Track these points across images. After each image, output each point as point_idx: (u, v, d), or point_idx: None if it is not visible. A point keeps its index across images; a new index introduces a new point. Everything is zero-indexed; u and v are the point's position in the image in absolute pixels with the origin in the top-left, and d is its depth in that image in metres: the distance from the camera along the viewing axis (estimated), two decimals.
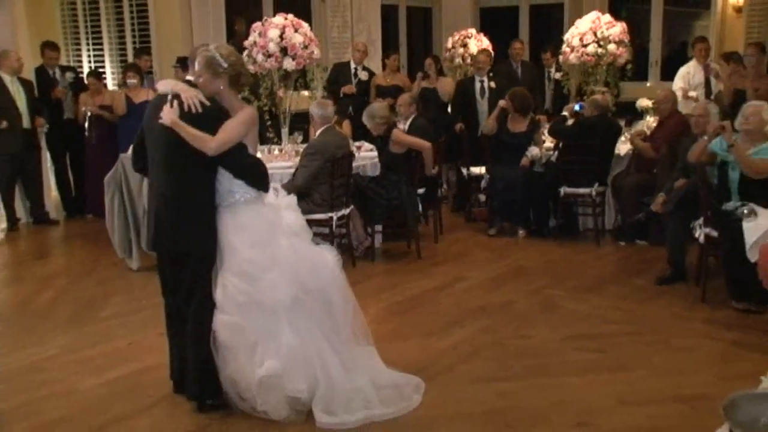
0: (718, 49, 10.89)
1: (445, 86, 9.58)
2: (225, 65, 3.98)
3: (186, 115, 3.86)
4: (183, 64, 8.95)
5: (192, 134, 3.84)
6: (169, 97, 3.92)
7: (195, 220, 3.99)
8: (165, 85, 4.13)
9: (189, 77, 4.13)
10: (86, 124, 9.20)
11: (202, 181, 3.99)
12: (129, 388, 4.43)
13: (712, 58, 9.77)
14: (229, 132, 3.91)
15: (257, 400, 3.97)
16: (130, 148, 4.51)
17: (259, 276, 4.00)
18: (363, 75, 9.82)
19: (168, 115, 3.84)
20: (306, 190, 6.53)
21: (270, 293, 3.99)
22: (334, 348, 4.13)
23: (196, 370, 4.08)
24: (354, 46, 10.40)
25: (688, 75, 9.38)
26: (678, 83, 9.29)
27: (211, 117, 3.91)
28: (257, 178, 4.10)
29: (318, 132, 6.75)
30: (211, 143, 3.87)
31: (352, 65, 9.90)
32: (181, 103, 3.88)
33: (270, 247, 4.06)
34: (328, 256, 4.26)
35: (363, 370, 4.21)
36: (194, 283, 4.03)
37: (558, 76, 9.96)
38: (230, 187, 4.03)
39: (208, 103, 3.93)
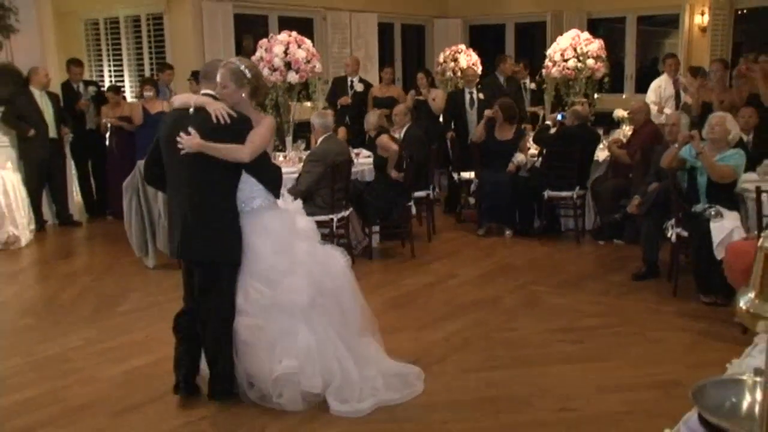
0: (685, 64, 10.97)
1: (437, 98, 9.58)
2: (249, 76, 3.95)
3: (214, 127, 3.78)
4: (197, 77, 8.96)
5: (223, 150, 3.78)
6: (191, 110, 3.84)
7: (225, 229, 3.89)
8: (183, 99, 4.06)
9: (207, 90, 4.00)
10: (107, 134, 9.23)
11: (228, 189, 3.92)
12: (146, 377, 4.43)
13: (681, 73, 9.80)
14: (259, 140, 3.88)
15: (273, 394, 3.95)
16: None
17: (280, 280, 3.96)
18: (359, 86, 9.83)
19: (191, 141, 3.75)
20: (309, 195, 6.54)
21: (290, 296, 3.95)
22: (346, 343, 4.10)
23: (225, 371, 4.00)
24: (344, 61, 10.40)
25: (660, 88, 9.40)
26: (650, 96, 9.31)
27: (239, 126, 3.85)
28: (277, 183, 4.09)
29: (319, 140, 6.75)
30: (245, 151, 3.82)
31: (349, 78, 9.90)
32: (207, 115, 3.80)
33: (290, 251, 4.02)
34: (338, 256, 4.21)
35: (371, 360, 4.19)
36: (221, 288, 3.91)
37: (533, 86, 9.99)
38: (251, 193, 3.96)
39: (234, 114, 3.85)
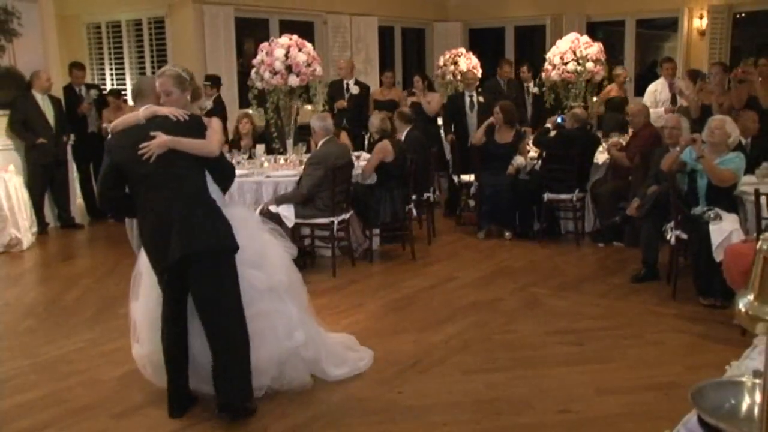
0: (684, 68, 10.98)
1: (432, 102, 9.60)
2: (189, 79, 4.00)
3: (173, 127, 3.79)
4: (213, 81, 8.98)
5: (191, 143, 3.81)
6: (143, 121, 3.82)
7: (217, 216, 3.86)
8: (124, 120, 3.98)
9: (147, 105, 3.91)
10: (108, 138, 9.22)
11: (204, 184, 3.91)
12: (147, 379, 4.40)
13: (679, 76, 9.81)
14: (217, 135, 3.95)
15: (285, 377, 4.10)
16: None
17: (262, 263, 4.09)
18: (354, 89, 9.84)
19: (158, 141, 3.73)
20: (310, 197, 6.55)
21: (276, 277, 4.11)
22: (309, 316, 4.36)
23: (244, 369, 3.88)
24: (337, 63, 10.39)
25: (656, 92, 9.41)
26: (646, 99, 9.32)
27: (196, 123, 3.89)
28: (231, 180, 4.17)
29: (320, 143, 6.74)
30: (213, 145, 3.87)
31: (344, 81, 9.90)
32: (163, 120, 3.80)
33: (258, 236, 4.17)
34: (277, 236, 4.37)
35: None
36: (226, 280, 3.85)
37: (536, 90, 9.99)
38: (213, 194, 3.95)
39: (188, 113, 3.88)
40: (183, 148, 3.79)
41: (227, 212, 3.99)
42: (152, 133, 3.77)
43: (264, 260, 4.11)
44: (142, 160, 3.75)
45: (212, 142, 3.88)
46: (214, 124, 4.02)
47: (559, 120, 8.17)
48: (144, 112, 3.88)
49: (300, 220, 6.57)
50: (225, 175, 4.07)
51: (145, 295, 4.12)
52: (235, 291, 3.89)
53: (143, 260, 4.07)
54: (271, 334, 4.05)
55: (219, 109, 8.81)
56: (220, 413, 3.87)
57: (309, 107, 8.25)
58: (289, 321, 4.15)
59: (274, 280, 4.11)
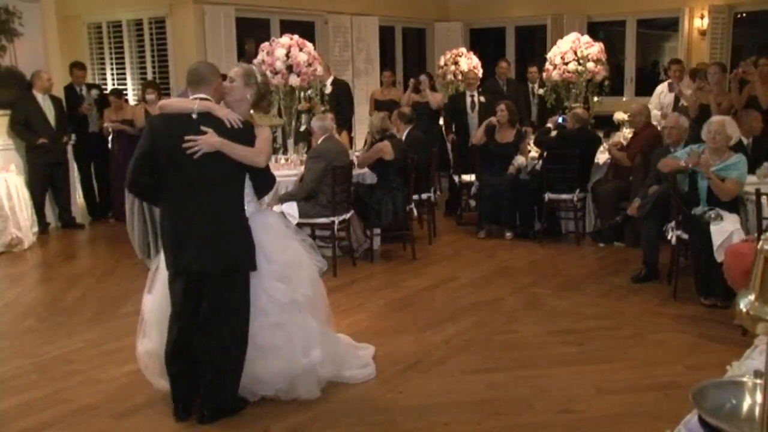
0: (685, 67, 10.94)
1: (436, 98, 9.66)
2: (259, 79, 3.97)
3: (223, 132, 3.69)
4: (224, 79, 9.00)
5: (242, 152, 3.72)
6: (195, 116, 3.70)
7: (244, 234, 3.81)
8: (179, 104, 3.93)
9: (200, 95, 3.81)
10: (109, 137, 9.26)
11: (241, 193, 3.85)
12: (148, 379, 4.42)
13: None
14: (267, 146, 3.88)
15: (294, 392, 4.02)
16: None
17: (290, 276, 4.00)
18: (328, 89, 9.78)
19: (209, 140, 3.65)
20: (313, 193, 6.56)
21: (301, 290, 4.02)
22: (326, 329, 4.29)
23: (234, 381, 3.88)
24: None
25: (661, 94, 9.39)
26: (652, 101, 9.31)
27: (248, 132, 3.79)
28: (269, 190, 4.12)
29: (319, 141, 6.82)
30: (261, 156, 3.80)
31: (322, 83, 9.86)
32: (216, 120, 3.71)
33: (290, 246, 4.09)
34: (303, 247, 4.29)
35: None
36: (236, 297, 3.79)
37: (541, 92, 9.97)
38: (248, 198, 3.91)
39: (242, 119, 3.80)
40: (232, 154, 3.70)
41: (261, 220, 3.95)
42: (204, 128, 3.67)
43: (292, 273, 4.01)
44: (184, 152, 3.64)
45: (261, 152, 3.80)
46: (265, 134, 3.92)
47: (560, 120, 8.16)
48: (200, 104, 3.74)
49: (302, 220, 6.57)
50: (265, 185, 4.00)
51: (160, 290, 4.02)
52: (243, 311, 3.83)
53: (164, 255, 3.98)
54: (287, 348, 3.96)
55: None
56: (199, 422, 3.85)
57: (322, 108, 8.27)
58: (307, 337, 4.04)
59: (298, 293, 4.01)
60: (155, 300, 4.05)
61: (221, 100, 3.89)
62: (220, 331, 3.80)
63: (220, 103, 3.87)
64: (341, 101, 9.85)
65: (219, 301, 3.79)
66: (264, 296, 3.91)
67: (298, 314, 4.03)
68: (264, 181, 3.96)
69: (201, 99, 3.79)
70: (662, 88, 9.44)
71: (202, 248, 3.71)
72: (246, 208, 3.89)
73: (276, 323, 3.95)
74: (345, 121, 9.95)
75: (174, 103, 4.02)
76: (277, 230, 4.05)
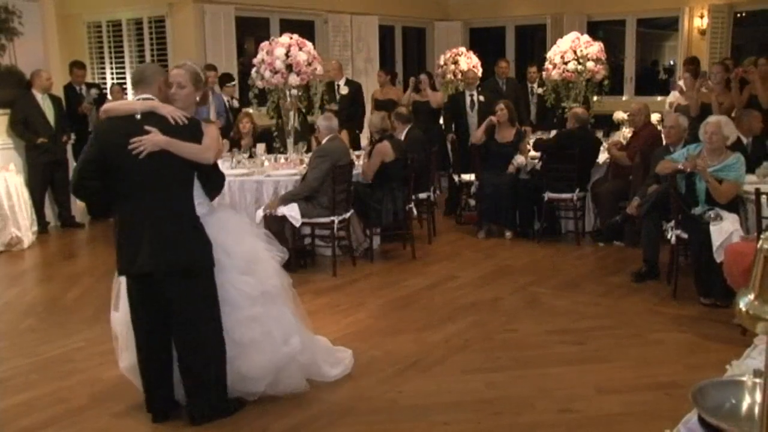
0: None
1: (437, 97, 9.70)
2: (203, 81, 3.95)
3: (171, 129, 3.63)
4: (228, 78, 9.06)
5: (189, 149, 3.65)
6: (138, 116, 3.64)
7: (197, 231, 3.76)
8: (122, 106, 3.89)
9: (145, 95, 3.75)
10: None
11: (191, 192, 3.78)
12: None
13: (679, 76, 9.78)
14: (215, 143, 3.84)
15: (281, 384, 4.01)
16: None
17: (255, 269, 3.97)
18: (344, 89, 9.92)
19: (154, 138, 3.58)
20: (314, 194, 6.56)
21: (270, 281, 4.00)
22: (301, 320, 4.28)
23: (218, 381, 3.84)
24: (326, 67, 10.40)
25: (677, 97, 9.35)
26: (667, 105, 9.30)
27: (194, 129, 3.73)
28: (220, 189, 4.04)
29: (324, 141, 6.82)
30: (209, 152, 3.74)
31: (335, 83, 9.94)
32: (161, 119, 3.63)
33: (249, 241, 4.05)
34: (261, 238, 4.25)
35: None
36: (200, 294, 3.76)
37: (540, 91, 9.97)
38: (197, 198, 3.82)
39: (187, 116, 3.73)
40: (178, 151, 3.63)
41: (215, 215, 3.91)
42: (147, 128, 3.61)
43: (255, 265, 3.97)
44: (131, 154, 3.58)
45: (209, 148, 3.74)
46: (213, 131, 3.91)
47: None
48: (142, 104, 3.70)
49: (302, 220, 6.57)
50: (215, 185, 3.92)
51: (125, 307, 3.93)
52: (211, 308, 3.78)
53: None
54: (267, 340, 3.94)
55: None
56: (193, 424, 3.83)
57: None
58: (285, 326, 4.04)
59: (267, 284, 3.98)
60: (122, 316, 4.00)
61: (166, 100, 3.81)
62: (190, 332, 3.77)
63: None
64: (355, 101, 9.92)
65: (182, 301, 3.74)
66: (233, 290, 3.87)
67: (272, 305, 4.00)
68: (213, 180, 3.90)
69: (144, 99, 3.75)
70: (673, 98, 9.39)
71: (154, 249, 3.65)
72: (197, 209, 3.81)
73: (250, 317, 3.91)
74: (357, 121, 10.00)
75: (117, 105, 3.95)
76: (232, 225, 4.00)
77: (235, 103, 9.42)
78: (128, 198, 3.72)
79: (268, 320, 3.98)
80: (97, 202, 4.07)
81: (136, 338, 3.86)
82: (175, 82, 3.83)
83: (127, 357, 4.07)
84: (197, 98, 3.91)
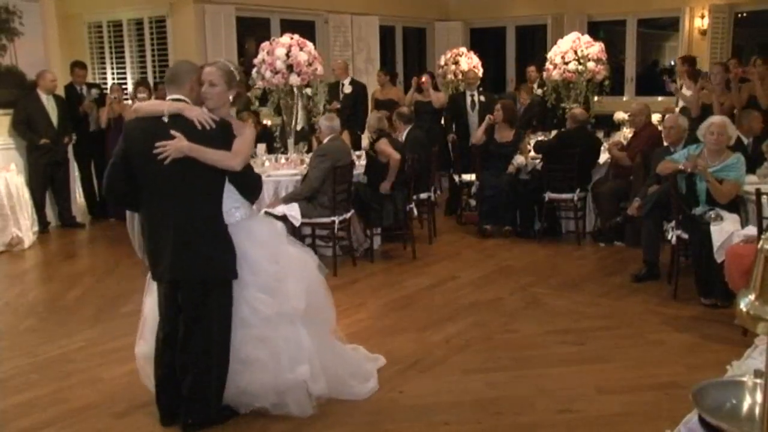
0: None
1: (439, 97, 9.71)
2: (237, 79, 3.80)
3: (197, 134, 3.52)
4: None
5: (213, 156, 3.53)
6: (165, 119, 3.53)
7: (219, 241, 3.63)
8: (151, 107, 3.78)
9: (176, 95, 3.65)
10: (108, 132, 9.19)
11: (217, 199, 3.66)
12: (143, 381, 4.40)
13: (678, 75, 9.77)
14: (246, 148, 3.68)
15: (279, 405, 3.85)
16: None
17: (278, 287, 3.78)
18: (347, 89, 9.92)
19: (178, 144, 3.47)
20: (314, 194, 6.56)
21: (290, 303, 3.80)
22: (328, 341, 4.09)
23: (217, 392, 3.76)
24: (331, 65, 10.43)
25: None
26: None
27: (223, 133, 3.59)
28: (257, 192, 3.94)
29: (325, 140, 6.83)
30: (236, 159, 3.58)
31: (340, 82, 9.97)
32: (188, 122, 3.52)
33: (281, 256, 3.87)
34: (310, 256, 4.11)
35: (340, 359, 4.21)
36: (213, 307, 3.66)
37: (540, 92, 9.96)
38: (233, 203, 3.72)
39: (216, 119, 3.59)
40: (202, 158, 3.51)
41: (247, 227, 3.76)
42: (172, 132, 3.49)
43: (280, 285, 3.78)
44: (155, 159, 3.48)
45: (236, 154, 3.58)
46: (248, 134, 3.75)
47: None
48: (170, 106, 3.57)
49: (303, 220, 6.57)
50: (249, 189, 3.80)
51: (155, 293, 3.90)
52: (223, 321, 3.68)
53: None
54: (272, 362, 3.77)
55: None
56: (184, 430, 3.78)
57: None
58: (296, 352, 3.82)
59: (286, 306, 3.78)
60: (151, 303, 3.96)
61: (199, 99, 3.70)
62: (198, 341, 3.68)
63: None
64: (358, 102, 9.93)
65: (196, 310, 3.66)
66: (246, 307, 3.73)
67: (287, 327, 3.82)
68: (246, 184, 3.77)
69: (174, 100, 3.65)
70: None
71: (175, 256, 3.58)
72: (234, 214, 3.73)
73: (259, 337, 3.76)
74: (359, 122, 9.98)
75: (146, 106, 3.86)
76: (264, 239, 3.83)
77: None
78: (153, 200, 3.64)
79: (278, 342, 3.79)
80: (129, 203, 3.98)
81: (157, 336, 3.83)
82: (207, 80, 3.67)
83: (143, 344, 4.01)
84: (230, 97, 3.76)
